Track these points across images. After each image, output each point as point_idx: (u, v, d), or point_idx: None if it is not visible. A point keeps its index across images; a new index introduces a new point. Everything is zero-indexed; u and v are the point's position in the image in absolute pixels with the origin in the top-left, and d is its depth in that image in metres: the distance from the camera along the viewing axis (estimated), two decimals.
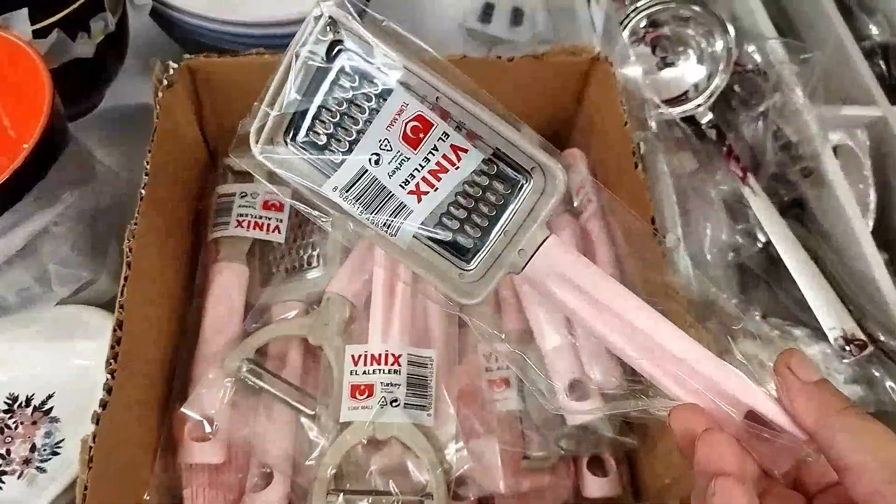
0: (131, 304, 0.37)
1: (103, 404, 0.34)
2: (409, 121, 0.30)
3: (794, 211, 0.52)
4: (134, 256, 0.38)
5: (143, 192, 0.41)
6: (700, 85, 0.55)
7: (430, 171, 0.31)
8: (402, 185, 0.31)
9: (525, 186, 0.32)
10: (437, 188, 0.31)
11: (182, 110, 0.48)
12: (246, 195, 0.49)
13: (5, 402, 0.42)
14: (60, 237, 0.41)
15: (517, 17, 0.75)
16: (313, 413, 0.42)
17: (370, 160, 0.31)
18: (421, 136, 0.30)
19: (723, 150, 0.55)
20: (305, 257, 0.49)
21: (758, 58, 0.56)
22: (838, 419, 0.25)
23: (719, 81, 0.54)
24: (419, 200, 0.31)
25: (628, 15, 0.55)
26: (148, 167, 0.42)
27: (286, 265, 0.49)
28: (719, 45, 0.53)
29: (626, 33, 0.55)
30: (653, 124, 0.48)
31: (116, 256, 0.45)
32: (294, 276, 0.48)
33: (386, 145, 0.31)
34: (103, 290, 0.45)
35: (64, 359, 0.43)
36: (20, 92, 0.44)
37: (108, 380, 0.34)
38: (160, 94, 0.45)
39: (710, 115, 0.55)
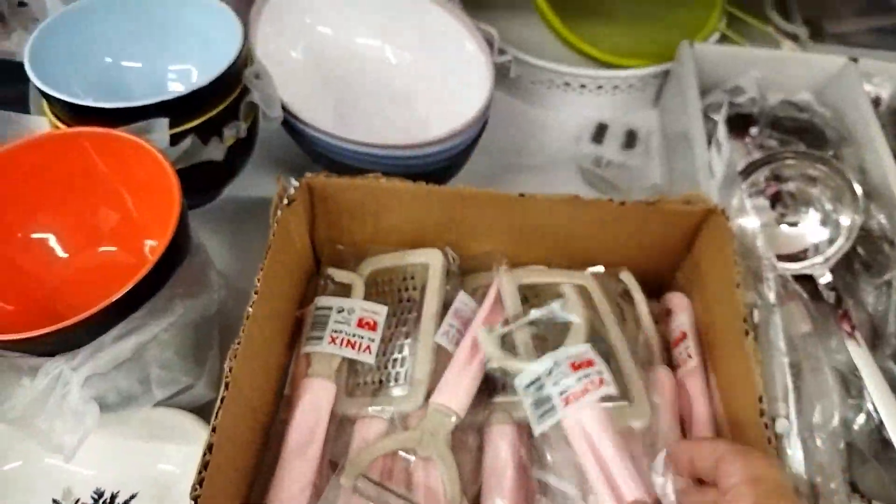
0: (224, 425, 0.38)
1: None
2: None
3: None
4: (233, 376, 0.39)
5: (249, 310, 0.42)
6: (821, 247, 0.52)
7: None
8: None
9: None
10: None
11: (296, 223, 0.50)
12: (343, 311, 0.50)
13: (92, 497, 0.44)
14: (165, 343, 0.43)
15: (630, 139, 0.74)
16: None
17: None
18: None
19: (838, 314, 0.52)
20: (392, 374, 0.49)
21: (886, 223, 0.53)
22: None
23: (842, 247, 0.51)
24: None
25: (751, 165, 0.54)
26: (258, 285, 0.43)
27: (372, 379, 0.49)
28: (846, 213, 0.50)
29: (746, 184, 0.53)
30: (770, 293, 0.46)
31: (216, 363, 0.47)
32: (379, 392, 0.48)
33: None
34: (199, 395, 0.46)
35: (151, 461, 0.45)
36: (150, 193, 0.47)
37: None
38: (279, 213, 0.47)
39: (829, 276, 0.52)
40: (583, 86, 0.76)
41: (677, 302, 0.52)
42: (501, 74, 0.76)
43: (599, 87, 0.76)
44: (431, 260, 0.53)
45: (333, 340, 0.48)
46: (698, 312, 0.51)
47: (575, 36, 0.77)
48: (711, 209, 0.49)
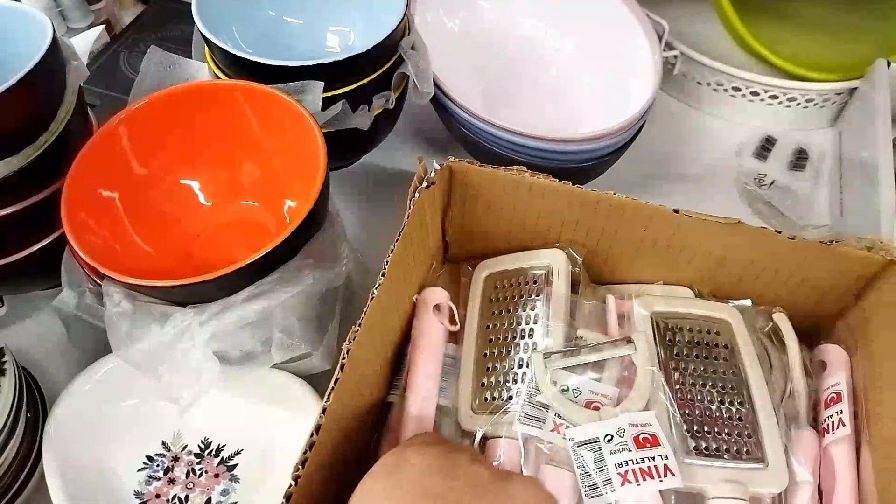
0: (334, 407, 0.37)
1: None
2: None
3: None
4: (349, 358, 0.38)
5: (375, 292, 0.41)
6: None
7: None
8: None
9: None
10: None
11: (431, 206, 0.49)
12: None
13: (198, 446, 0.45)
14: (290, 308, 0.43)
15: (799, 159, 0.67)
16: None
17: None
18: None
19: None
20: (515, 389, 0.46)
21: None
22: None
23: None
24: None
25: None
26: (386, 268, 0.42)
27: (496, 395, 0.46)
28: None
29: None
30: None
31: (333, 336, 0.46)
32: (502, 409, 0.45)
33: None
34: (313, 365, 0.46)
35: (259, 421, 0.45)
36: (296, 154, 0.47)
37: (290, 486, 0.34)
38: (417, 195, 0.45)
39: None
40: (754, 93, 0.69)
41: (835, 356, 0.46)
42: (664, 70, 0.70)
43: (773, 97, 0.69)
44: (554, 262, 0.50)
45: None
46: (858, 374, 0.45)
47: (754, 37, 0.70)
48: (894, 260, 0.43)
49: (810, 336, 0.50)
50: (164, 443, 0.45)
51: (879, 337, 0.44)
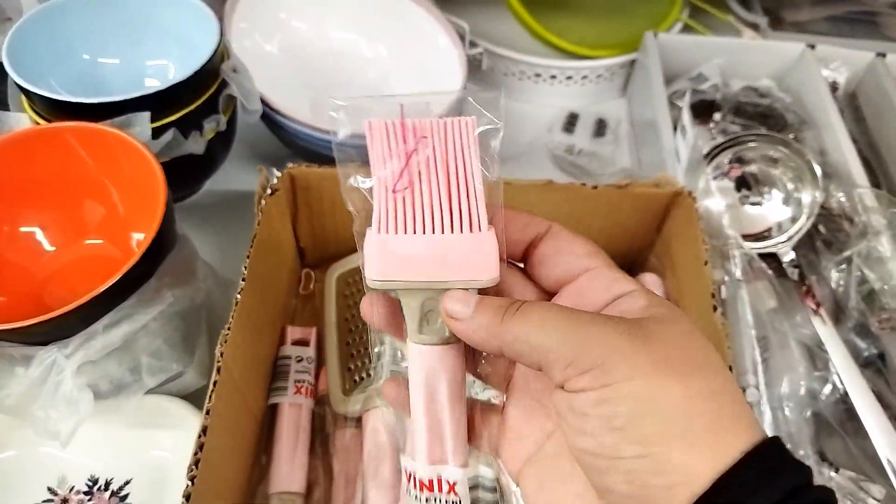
0: (217, 408, 0.39)
1: None
2: None
3: (877, 365, 0.51)
4: (224, 362, 0.40)
5: (238, 297, 0.43)
6: (783, 225, 0.55)
7: None
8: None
9: None
10: None
11: (280, 214, 0.51)
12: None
13: (86, 484, 0.44)
14: (155, 332, 0.44)
15: (600, 128, 0.77)
16: None
17: None
18: None
19: (802, 290, 0.55)
20: (378, 366, 0.50)
21: (845, 201, 0.55)
22: (505, 331, 0.25)
23: (804, 225, 0.53)
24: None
25: (715, 149, 0.56)
26: (245, 272, 0.44)
27: (362, 376, 0.51)
28: (807, 191, 0.53)
29: (710, 167, 0.55)
30: (737, 270, 0.48)
31: (205, 351, 0.48)
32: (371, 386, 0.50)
33: None
34: (189, 383, 0.47)
35: (144, 447, 0.45)
36: (135, 186, 0.48)
37: (187, 486, 0.36)
38: (263, 202, 0.48)
39: (792, 254, 0.55)
40: (553, 77, 0.78)
41: (650, 282, 0.54)
42: (473, 67, 0.77)
43: (569, 78, 0.78)
44: None
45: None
46: (669, 291, 0.53)
47: (544, 28, 0.79)
48: (678, 191, 0.52)
49: (630, 271, 0.58)
50: (49, 489, 0.44)
51: (679, 258, 0.52)
